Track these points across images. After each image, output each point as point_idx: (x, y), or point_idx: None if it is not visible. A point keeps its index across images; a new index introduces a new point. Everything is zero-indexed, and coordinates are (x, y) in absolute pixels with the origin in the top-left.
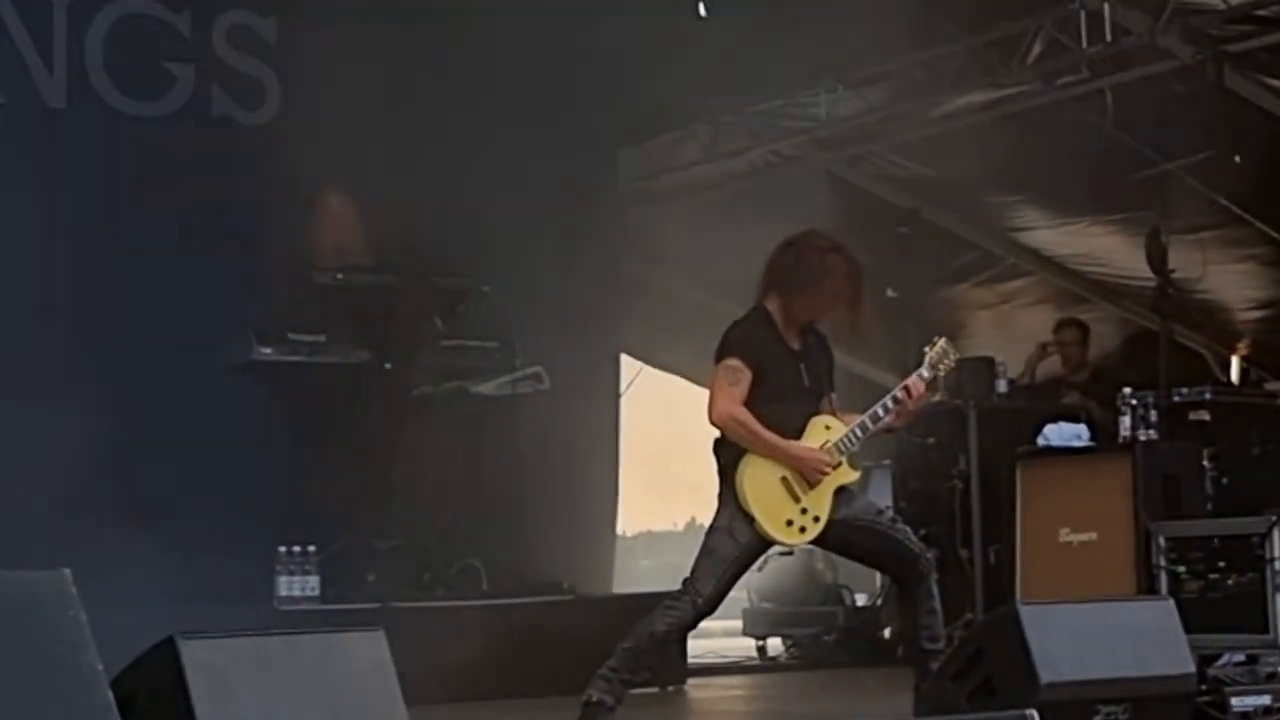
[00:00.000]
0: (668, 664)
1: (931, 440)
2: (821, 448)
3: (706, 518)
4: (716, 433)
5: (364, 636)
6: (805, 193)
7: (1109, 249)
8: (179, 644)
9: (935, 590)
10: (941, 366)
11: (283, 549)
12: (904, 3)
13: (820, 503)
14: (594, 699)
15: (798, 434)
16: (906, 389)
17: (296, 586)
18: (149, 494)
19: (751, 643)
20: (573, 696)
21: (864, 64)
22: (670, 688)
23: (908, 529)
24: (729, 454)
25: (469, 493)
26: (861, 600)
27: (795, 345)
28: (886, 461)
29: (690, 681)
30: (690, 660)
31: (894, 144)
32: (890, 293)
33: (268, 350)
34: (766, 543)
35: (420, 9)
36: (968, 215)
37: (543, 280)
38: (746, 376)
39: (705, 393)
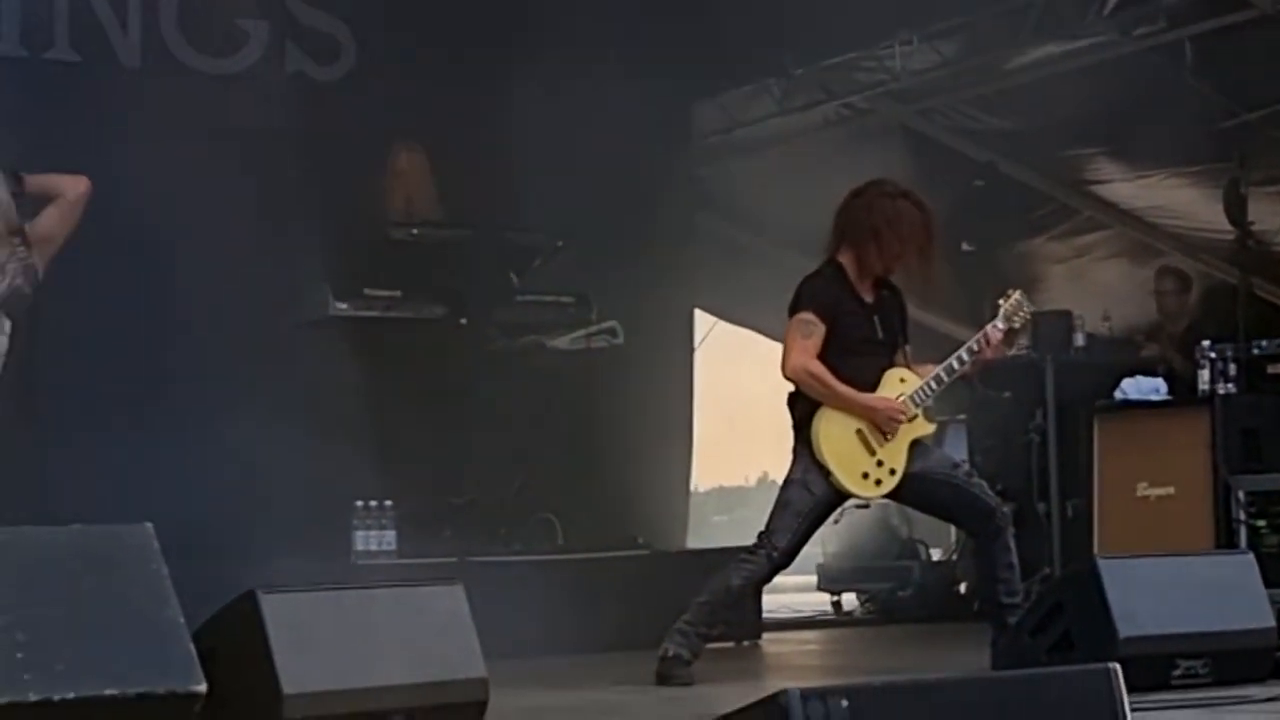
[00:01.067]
0: (743, 618)
1: (1008, 394)
2: (896, 400)
3: (779, 473)
4: (790, 387)
5: (443, 590)
6: (880, 146)
7: (1187, 201)
8: (259, 598)
9: (1012, 544)
10: (1016, 319)
11: (359, 503)
12: None
13: (896, 455)
14: (670, 653)
15: (872, 387)
16: (985, 338)
17: (373, 541)
18: (226, 449)
19: (826, 598)
20: (648, 650)
21: (939, 16)
22: (745, 642)
23: (984, 483)
24: (803, 407)
25: (544, 447)
26: (937, 555)
27: (869, 298)
28: (962, 416)
29: (765, 636)
30: (765, 615)
31: (969, 97)
32: (966, 246)
33: (344, 306)
34: (842, 496)
35: None
36: (1044, 168)
37: (617, 235)
38: (820, 330)
39: (779, 347)
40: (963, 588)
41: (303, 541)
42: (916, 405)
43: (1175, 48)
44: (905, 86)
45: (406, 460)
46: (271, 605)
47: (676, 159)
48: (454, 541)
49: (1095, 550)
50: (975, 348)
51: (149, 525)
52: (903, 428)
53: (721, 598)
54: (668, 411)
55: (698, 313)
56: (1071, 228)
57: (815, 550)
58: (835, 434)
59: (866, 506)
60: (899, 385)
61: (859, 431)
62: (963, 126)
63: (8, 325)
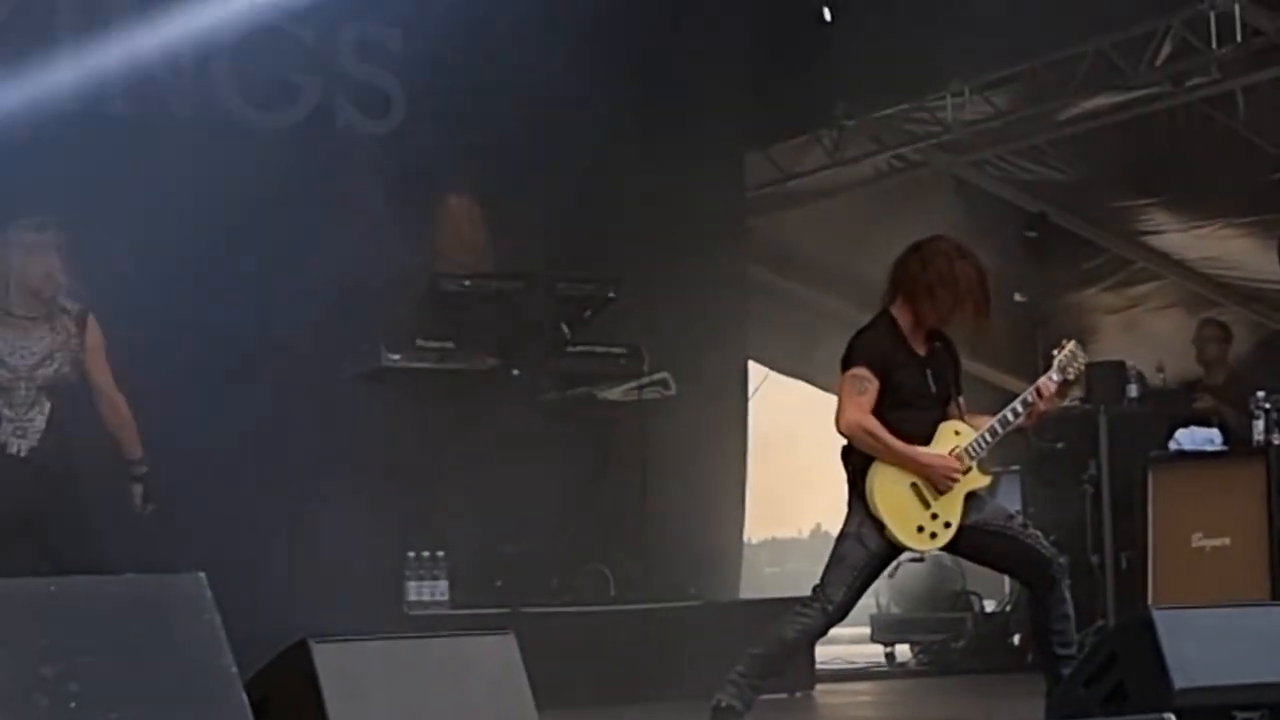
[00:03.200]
0: (796, 670)
1: (1061, 445)
2: (951, 453)
3: (832, 525)
4: (844, 441)
5: (495, 640)
6: (931, 197)
7: (1240, 252)
8: (312, 647)
9: (1068, 596)
10: (1071, 370)
11: (412, 554)
12: (1031, 5)
13: (951, 508)
14: (723, 704)
15: (926, 440)
16: (1039, 390)
17: (426, 591)
18: (280, 499)
19: (880, 649)
20: (700, 701)
21: (991, 67)
22: (799, 693)
23: (1039, 534)
24: (857, 461)
25: (596, 498)
26: (991, 606)
27: (921, 351)
28: (1016, 466)
29: (819, 687)
30: (819, 666)
31: (1021, 147)
32: (1018, 297)
33: (396, 357)
34: (897, 549)
35: None
36: (1096, 219)
37: (670, 286)
38: (874, 385)
39: (832, 399)
40: (1017, 639)
41: (355, 592)
42: (971, 458)
43: (1228, 99)
44: (957, 137)
45: (458, 511)
46: (324, 655)
47: (728, 210)
48: (506, 592)
49: (1150, 601)
50: (1030, 399)
51: (202, 575)
52: (957, 482)
53: (775, 649)
54: (720, 463)
55: (751, 364)
56: (1124, 278)
57: (869, 602)
58: (889, 488)
59: (921, 559)
60: (954, 438)
61: (914, 485)
62: (1014, 177)
63: (48, 407)
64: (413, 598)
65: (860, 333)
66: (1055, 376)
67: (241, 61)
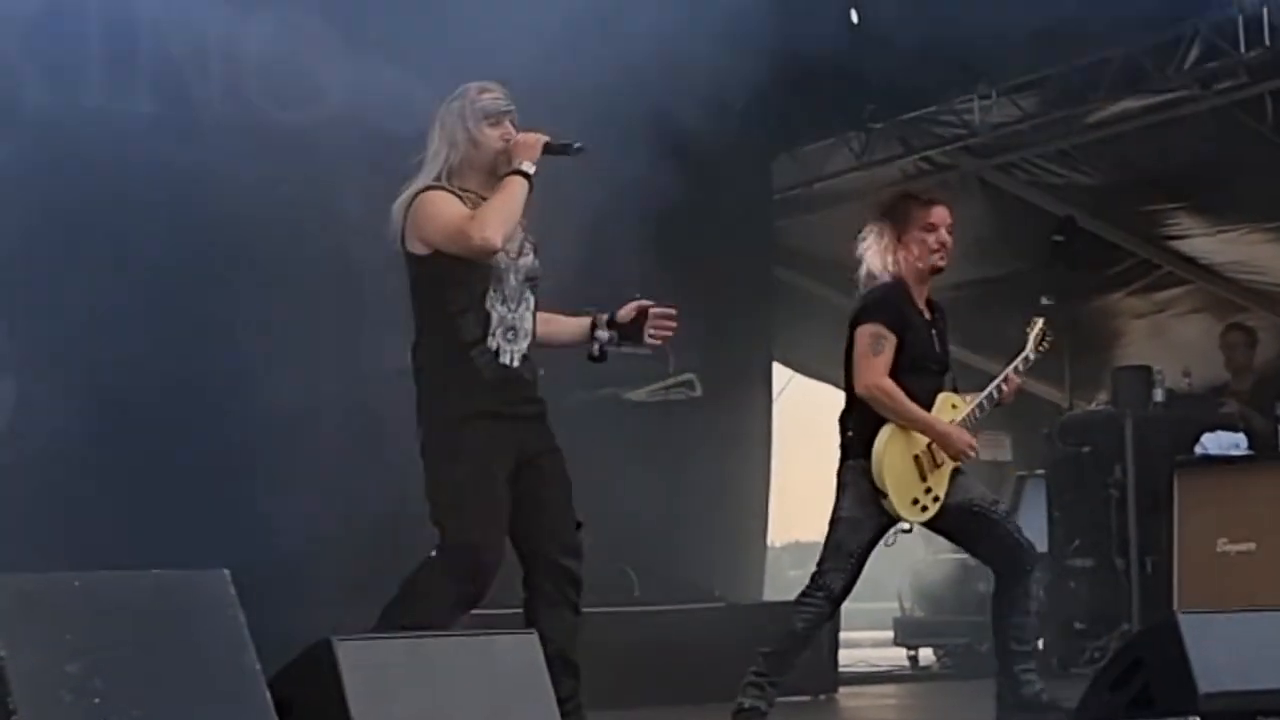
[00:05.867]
0: (819, 672)
1: (1087, 449)
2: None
3: None
4: (842, 405)
5: (517, 639)
6: (958, 200)
7: (1268, 256)
8: (335, 645)
9: (1034, 592)
10: (1043, 347)
11: (435, 553)
12: (1058, 8)
13: (941, 482)
14: (746, 705)
15: (927, 409)
16: (1017, 368)
17: None
18: (302, 495)
19: (903, 652)
20: (723, 704)
21: (1018, 70)
22: (822, 696)
23: (1018, 524)
24: (860, 427)
25: (621, 499)
26: None
27: (927, 314)
28: (1041, 471)
29: (842, 690)
30: (841, 669)
31: (1048, 151)
32: (1045, 300)
33: None
34: (891, 520)
35: None
36: (1123, 223)
37: (695, 287)
38: (891, 343)
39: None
40: (1041, 643)
41: (379, 590)
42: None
43: (1256, 102)
44: (984, 140)
45: None
46: (347, 653)
47: (755, 212)
48: None
49: (1175, 606)
50: (1012, 375)
51: (225, 571)
52: (972, 456)
53: (787, 644)
54: (745, 465)
55: (776, 366)
56: (1151, 283)
57: (892, 605)
58: (895, 457)
59: (909, 531)
60: (950, 411)
61: (916, 457)
62: (1042, 181)
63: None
64: None
65: (874, 289)
66: (1031, 355)
67: (268, 59)
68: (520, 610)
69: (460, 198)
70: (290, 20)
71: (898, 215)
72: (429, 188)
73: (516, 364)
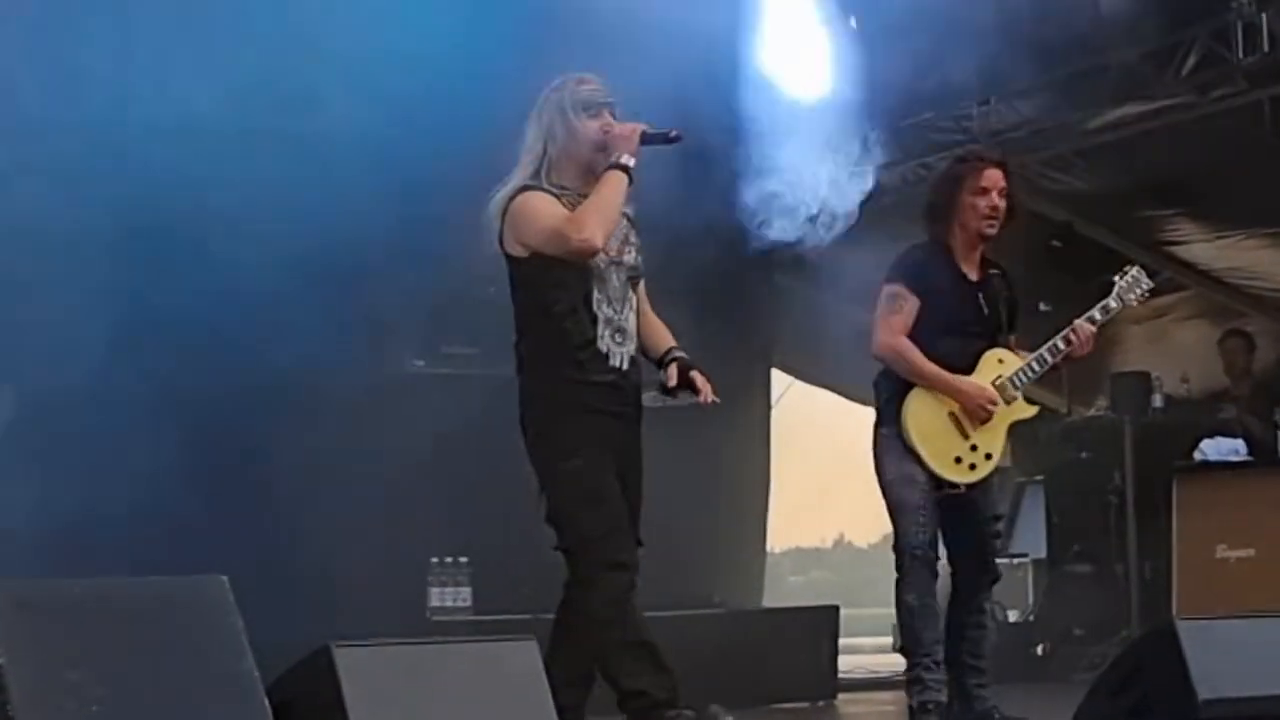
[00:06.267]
0: (818, 678)
1: (1086, 455)
2: (995, 382)
3: (856, 535)
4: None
5: (517, 646)
6: None
7: (1267, 262)
8: (334, 652)
9: (989, 609)
10: (1132, 297)
11: (435, 560)
12: (1056, 16)
13: (993, 440)
14: (917, 704)
15: (970, 369)
16: (1092, 320)
17: (449, 597)
18: (302, 503)
19: (903, 658)
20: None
21: (1017, 76)
22: (821, 702)
23: (997, 545)
24: (889, 389)
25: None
26: (1014, 616)
27: (974, 276)
28: (1040, 477)
29: (841, 696)
30: (841, 675)
31: (1047, 157)
32: (1043, 307)
33: (421, 363)
34: (938, 482)
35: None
36: (1122, 229)
37: (693, 292)
38: (910, 303)
39: (856, 407)
40: (1040, 649)
41: (378, 597)
42: (1015, 388)
43: (1254, 108)
44: (983, 147)
45: (483, 516)
46: (346, 659)
47: None
48: (530, 598)
49: (1174, 612)
50: (1076, 332)
51: (224, 578)
52: (1001, 410)
53: (916, 618)
54: (744, 470)
55: (774, 372)
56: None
57: (892, 611)
58: (925, 417)
59: (958, 489)
60: (997, 366)
61: (951, 414)
62: (1040, 186)
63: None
64: (435, 603)
65: (906, 250)
66: (1114, 304)
67: (273, 66)
68: (524, 616)
69: (558, 197)
70: None
71: (951, 178)
72: (526, 187)
73: (625, 366)
